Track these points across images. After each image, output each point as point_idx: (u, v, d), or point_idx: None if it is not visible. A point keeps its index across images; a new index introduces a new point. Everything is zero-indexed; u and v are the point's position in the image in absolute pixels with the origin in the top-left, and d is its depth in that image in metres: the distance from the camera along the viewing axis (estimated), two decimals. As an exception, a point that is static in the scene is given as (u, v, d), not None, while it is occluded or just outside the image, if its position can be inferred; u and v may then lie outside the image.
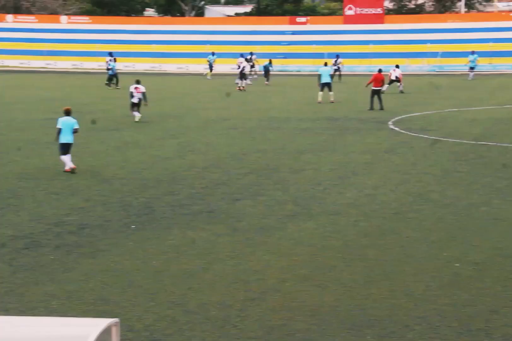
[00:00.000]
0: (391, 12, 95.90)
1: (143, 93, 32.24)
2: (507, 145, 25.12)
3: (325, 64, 45.20)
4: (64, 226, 15.01)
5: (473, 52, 60.92)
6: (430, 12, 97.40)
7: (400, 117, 34.33)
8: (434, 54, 73.47)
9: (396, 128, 30.25)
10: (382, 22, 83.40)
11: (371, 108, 37.51)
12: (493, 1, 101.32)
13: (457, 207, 16.65)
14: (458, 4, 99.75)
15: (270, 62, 60.72)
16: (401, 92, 47.99)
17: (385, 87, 43.20)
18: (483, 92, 48.27)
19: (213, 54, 67.36)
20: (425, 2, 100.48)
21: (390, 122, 32.23)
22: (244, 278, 11.89)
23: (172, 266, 12.54)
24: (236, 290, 11.36)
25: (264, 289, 11.38)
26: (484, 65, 70.98)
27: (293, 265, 12.64)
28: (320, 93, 41.85)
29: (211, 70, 66.08)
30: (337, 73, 59.36)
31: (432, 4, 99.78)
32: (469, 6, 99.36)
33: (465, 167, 21.35)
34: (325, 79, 41.83)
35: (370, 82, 38.62)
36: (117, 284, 11.56)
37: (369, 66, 74.64)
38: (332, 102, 41.59)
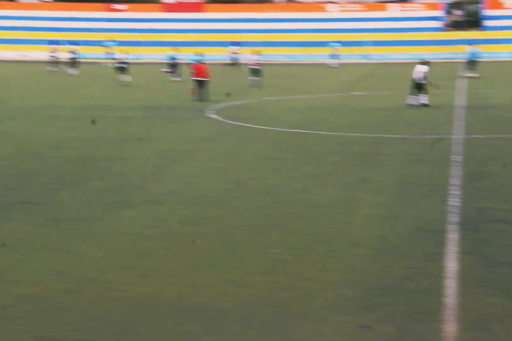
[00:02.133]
0: (210, 1, 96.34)
1: None
2: (325, 133, 25.83)
3: None
4: None
5: (334, 42, 63.30)
6: (249, 2, 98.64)
7: (220, 106, 34.60)
8: (253, 44, 74.52)
9: (217, 117, 30.48)
10: (202, 11, 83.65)
11: (198, 99, 37.05)
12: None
13: (277, 194, 16.97)
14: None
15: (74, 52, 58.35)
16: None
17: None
18: (301, 81, 49.38)
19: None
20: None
21: (210, 111, 32.42)
22: (62, 270, 11.64)
23: (-13, 259, 12.10)
24: (54, 282, 11.11)
25: (84, 280, 11.18)
26: (301, 54, 72.77)
27: (113, 255, 12.50)
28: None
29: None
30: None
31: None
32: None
33: (285, 155, 21.79)
34: None
35: (196, 74, 37.92)
36: None
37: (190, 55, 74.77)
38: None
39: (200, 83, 37.43)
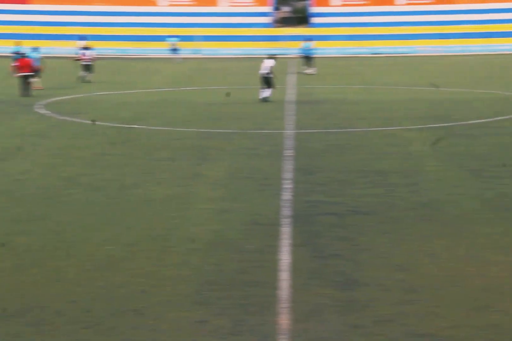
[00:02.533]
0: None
1: None
2: (155, 128, 25.70)
3: None
4: None
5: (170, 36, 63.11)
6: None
7: (48, 100, 33.78)
8: (79, 37, 73.21)
9: (45, 112, 29.72)
10: (27, 2, 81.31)
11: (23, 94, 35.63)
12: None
13: (109, 189, 16.71)
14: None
15: None
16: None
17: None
18: (134, 76, 48.95)
19: None
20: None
21: (38, 106, 31.60)
22: None
23: None
24: None
25: None
26: (132, 48, 72.15)
27: None
28: None
29: None
30: None
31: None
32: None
33: (116, 150, 21.51)
34: None
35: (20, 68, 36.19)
36: None
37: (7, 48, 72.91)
38: None
39: (25, 78, 36.10)
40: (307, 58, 49.37)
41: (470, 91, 37.40)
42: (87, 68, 44.05)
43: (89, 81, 43.26)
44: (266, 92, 33.13)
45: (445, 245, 12.63)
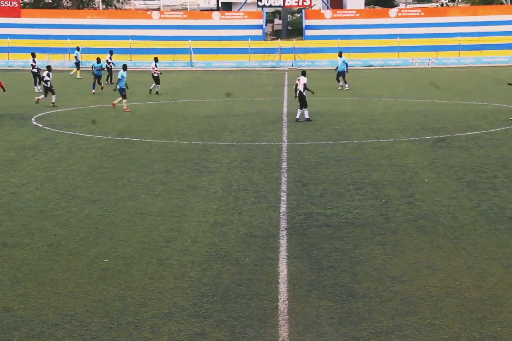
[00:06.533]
0: (27, 6, 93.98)
1: None
2: (150, 140, 25.67)
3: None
4: None
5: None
6: (68, 8, 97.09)
7: (43, 113, 33.74)
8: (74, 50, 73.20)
9: (40, 125, 29.69)
10: (19, 16, 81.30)
11: None
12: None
13: (105, 202, 16.68)
14: (96, 0, 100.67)
15: None
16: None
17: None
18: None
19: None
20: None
21: (33, 119, 31.56)
22: None
23: None
24: None
25: None
26: (125, 61, 72.08)
27: None
28: None
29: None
30: None
31: (69, 0, 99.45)
32: (107, 3, 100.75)
33: (111, 163, 21.47)
34: None
35: None
36: None
37: (8, 61, 72.83)
38: None
39: None
40: (342, 74, 45.64)
41: (463, 103, 37.49)
42: (156, 80, 43.26)
43: (157, 93, 42.84)
44: (305, 113, 30.56)
45: (442, 256, 12.64)
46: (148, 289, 11.16)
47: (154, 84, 44.04)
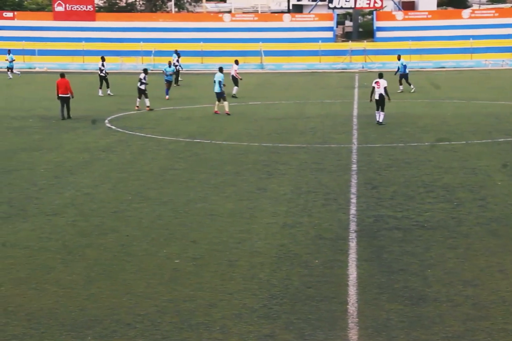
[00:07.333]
0: (102, 10, 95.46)
1: None
2: (220, 142, 25.83)
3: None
4: None
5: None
6: (141, 11, 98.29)
7: (116, 115, 34.23)
8: (148, 53, 74.09)
9: (113, 127, 30.13)
10: (93, 19, 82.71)
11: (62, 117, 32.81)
12: (202, 2, 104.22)
13: (175, 204, 16.85)
14: (169, 3, 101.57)
15: None
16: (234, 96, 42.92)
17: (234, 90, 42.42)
18: (196, 91, 49.26)
19: None
20: (136, 1, 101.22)
21: (106, 121, 32.04)
22: (-44, 285, 11.25)
23: None
24: None
25: (-21, 295, 10.84)
26: (196, 64, 72.68)
27: (8, 268, 12.19)
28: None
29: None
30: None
31: (143, 3, 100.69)
32: (179, 6, 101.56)
33: (182, 165, 21.68)
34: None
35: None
36: None
37: (83, 64, 73.96)
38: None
39: (63, 100, 32.79)
40: (405, 76, 45.31)
41: (537, 105, 36.81)
42: (235, 82, 42.96)
43: (234, 96, 42.43)
44: (381, 116, 30.23)
45: (515, 260, 12.44)
46: (218, 290, 11.24)
47: (235, 87, 43.42)
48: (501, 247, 13.24)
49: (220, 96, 34.52)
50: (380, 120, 30.11)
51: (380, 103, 30.19)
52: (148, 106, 36.22)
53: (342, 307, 10.44)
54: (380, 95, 30.10)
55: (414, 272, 11.92)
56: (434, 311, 10.29)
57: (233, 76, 43.10)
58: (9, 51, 60.22)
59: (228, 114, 33.85)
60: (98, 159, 22.72)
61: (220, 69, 35.66)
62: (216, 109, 34.75)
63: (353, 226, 14.65)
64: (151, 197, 17.54)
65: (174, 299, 10.85)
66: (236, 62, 44.44)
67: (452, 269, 12.08)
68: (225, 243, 13.73)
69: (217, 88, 34.43)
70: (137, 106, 36.36)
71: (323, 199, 17.05)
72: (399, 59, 45.84)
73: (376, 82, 30.42)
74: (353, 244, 13.46)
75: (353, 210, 15.92)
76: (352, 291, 11.06)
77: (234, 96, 42.41)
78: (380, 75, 31.12)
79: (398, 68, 45.87)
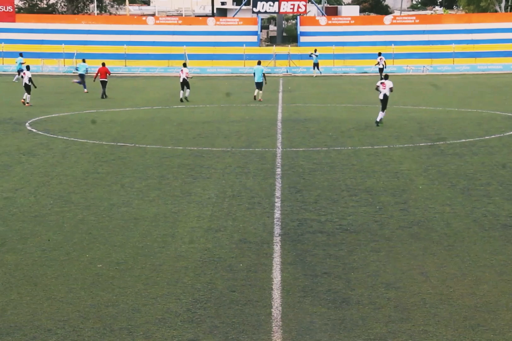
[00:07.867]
0: (22, 11, 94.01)
1: None
2: (144, 146, 25.65)
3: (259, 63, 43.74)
4: None
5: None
6: (63, 13, 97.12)
7: (37, 118, 33.71)
8: (70, 55, 73.15)
9: (34, 130, 29.66)
10: (13, 21, 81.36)
11: None
12: (125, 4, 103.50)
13: (98, 208, 16.66)
14: (91, 6, 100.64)
15: None
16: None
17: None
18: (120, 94, 48.86)
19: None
20: (57, 2, 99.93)
21: (27, 124, 31.53)
22: None
23: None
24: None
25: None
26: (120, 67, 72.10)
27: None
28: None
29: None
30: None
31: (65, 5, 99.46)
32: (102, 8, 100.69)
33: (106, 168, 21.45)
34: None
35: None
36: None
37: (2, 66, 72.76)
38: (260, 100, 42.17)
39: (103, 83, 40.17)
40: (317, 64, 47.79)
41: (458, 110, 37.54)
42: (187, 85, 42.40)
43: (186, 99, 41.90)
44: (381, 115, 30.84)
45: (436, 263, 12.64)
46: (141, 294, 11.14)
47: (188, 89, 43.21)
48: (422, 250, 13.44)
49: (261, 85, 40.90)
50: (378, 120, 30.95)
51: (384, 103, 30.90)
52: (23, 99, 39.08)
53: (266, 310, 10.45)
54: (384, 95, 30.90)
55: (337, 275, 12.01)
56: (357, 313, 10.37)
57: (184, 79, 42.78)
58: (20, 54, 58.18)
59: (260, 100, 41.26)
60: (19, 163, 22.33)
61: (259, 63, 42.60)
62: (260, 98, 41.42)
63: (277, 230, 14.69)
64: (73, 201, 17.31)
65: (96, 304, 10.71)
66: (184, 65, 44.70)
67: (375, 272, 12.20)
68: (149, 247, 13.62)
69: (259, 78, 39.83)
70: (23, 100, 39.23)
71: (248, 203, 17.06)
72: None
73: (382, 83, 31.19)
74: (277, 248, 13.50)
75: (277, 214, 15.97)
76: (276, 294, 11.08)
77: (186, 99, 42.88)
78: (386, 77, 31.93)
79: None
